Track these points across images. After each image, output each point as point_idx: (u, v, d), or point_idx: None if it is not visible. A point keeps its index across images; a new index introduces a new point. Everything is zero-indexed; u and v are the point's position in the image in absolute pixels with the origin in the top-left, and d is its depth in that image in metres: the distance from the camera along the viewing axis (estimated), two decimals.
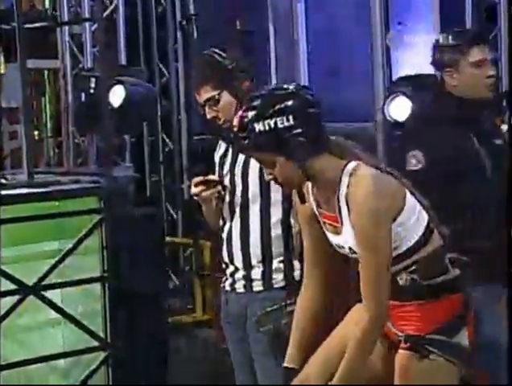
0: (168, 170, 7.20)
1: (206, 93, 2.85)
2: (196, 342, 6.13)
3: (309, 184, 2.44)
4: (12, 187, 4.19)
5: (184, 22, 6.83)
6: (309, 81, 5.73)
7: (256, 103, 2.34)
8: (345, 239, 2.37)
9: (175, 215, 7.11)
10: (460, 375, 2.41)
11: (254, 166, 2.81)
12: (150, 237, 5.07)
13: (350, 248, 2.37)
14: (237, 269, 2.89)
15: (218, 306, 4.44)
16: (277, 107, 2.30)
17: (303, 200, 2.43)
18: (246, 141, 2.33)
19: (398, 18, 5.46)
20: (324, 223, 2.44)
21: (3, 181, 4.22)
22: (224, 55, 2.88)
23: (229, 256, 2.92)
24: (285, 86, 2.39)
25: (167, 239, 5.93)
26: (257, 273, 2.85)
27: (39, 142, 7.23)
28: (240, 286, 2.89)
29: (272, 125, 2.29)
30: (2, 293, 3.82)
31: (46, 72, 7.30)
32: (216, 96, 2.83)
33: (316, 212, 2.45)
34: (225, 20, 6.55)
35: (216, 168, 2.98)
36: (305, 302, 2.53)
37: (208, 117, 2.89)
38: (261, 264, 2.85)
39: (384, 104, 4.83)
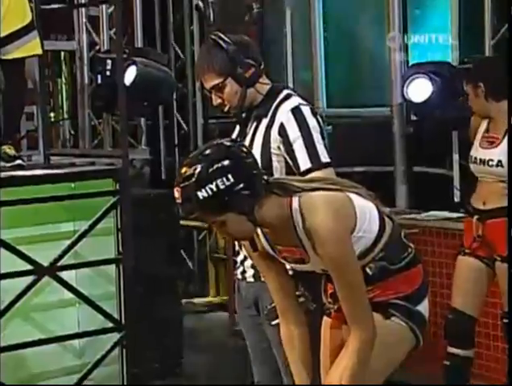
0: (183, 152, 7.20)
1: (211, 80, 2.81)
2: (209, 324, 6.15)
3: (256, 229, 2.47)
4: (28, 168, 4.22)
5: (201, 5, 6.81)
6: (325, 65, 5.70)
7: (192, 170, 2.33)
8: (315, 265, 2.45)
9: None
10: (415, 344, 2.50)
11: (256, 148, 2.79)
12: (165, 220, 5.09)
13: (322, 270, 2.45)
14: (246, 257, 2.87)
15: (231, 290, 4.47)
16: (214, 169, 2.32)
17: (255, 248, 2.49)
18: (192, 210, 2.34)
19: (415, 3, 5.41)
20: (285, 257, 2.50)
21: (19, 162, 4.24)
22: (228, 40, 2.80)
23: (238, 243, 2.90)
24: (215, 144, 2.42)
25: (182, 222, 5.93)
26: None
27: (54, 124, 7.25)
28: (249, 275, 2.87)
29: (214, 189, 2.30)
30: (18, 274, 3.86)
31: (62, 54, 7.30)
32: (221, 84, 2.79)
33: (271, 251, 2.50)
34: (242, 2, 6.52)
35: None
36: (291, 334, 2.57)
37: (214, 103, 2.86)
38: None
39: (403, 86, 4.81)
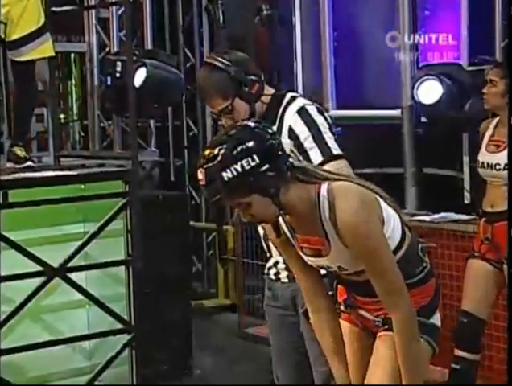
0: (192, 154, 7.21)
1: (218, 105, 2.78)
2: (218, 326, 6.16)
3: (291, 218, 2.45)
4: (38, 170, 4.23)
5: (210, 7, 6.82)
6: (335, 68, 5.70)
7: (216, 151, 2.30)
8: (333, 259, 2.40)
9: (198, 200, 7.13)
10: (432, 353, 2.48)
11: None
12: (175, 221, 5.10)
13: (340, 267, 2.41)
14: (277, 261, 2.90)
15: (241, 292, 4.46)
16: (239, 150, 2.29)
17: (278, 234, 2.46)
18: (217, 192, 2.31)
19: (425, 4, 5.41)
20: (301, 247, 2.46)
21: (30, 163, 4.25)
22: (226, 61, 2.77)
23: (267, 249, 2.92)
24: (239, 125, 2.41)
25: (191, 223, 5.94)
26: None
27: (64, 125, 7.27)
28: (284, 276, 2.89)
29: (239, 169, 2.28)
30: (28, 275, 3.86)
31: (72, 56, 7.32)
32: (230, 107, 2.77)
33: (291, 239, 2.48)
34: (251, 4, 6.52)
35: None
36: (321, 323, 2.55)
37: (226, 125, 2.82)
38: None
39: (413, 88, 4.80)
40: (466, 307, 3.91)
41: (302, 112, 2.76)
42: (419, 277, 2.46)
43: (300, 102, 2.79)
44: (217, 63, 2.79)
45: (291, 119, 2.76)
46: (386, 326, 2.44)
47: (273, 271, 2.93)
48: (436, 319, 2.50)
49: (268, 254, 2.94)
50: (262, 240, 2.93)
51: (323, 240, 2.38)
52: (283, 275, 2.88)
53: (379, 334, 2.47)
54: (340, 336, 2.52)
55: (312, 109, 2.77)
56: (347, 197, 2.32)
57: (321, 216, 2.35)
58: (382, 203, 2.41)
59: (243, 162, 2.28)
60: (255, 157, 2.29)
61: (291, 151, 2.74)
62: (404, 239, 2.44)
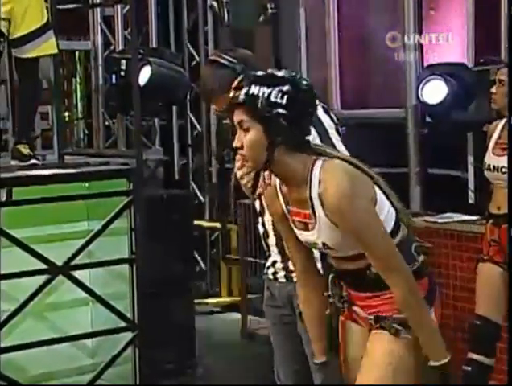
0: (197, 153, 7.21)
1: (224, 103, 2.73)
2: (221, 324, 6.16)
3: (277, 182, 2.47)
4: (42, 168, 4.23)
5: (215, 5, 6.82)
6: (340, 67, 5.69)
7: (262, 73, 2.41)
8: (318, 235, 2.40)
9: (202, 199, 7.13)
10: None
11: None
12: (178, 220, 5.10)
13: (324, 244, 2.41)
14: (276, 261, 2.90)
15: (244, 291, 4.44)
16: (279, 83, 2.36)
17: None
18: (236, 96, 2.38)
19: (430, 4, 5.40)
20: (293, 220, 2.47)
21: (34, 161, 4.25)
22: (232, 59, 2.77)
23: (267, 247, 2.93)
24: (299, 76, 2.44)
25: (195, 222, 5.93)
26: None
27: (69, 124, 7.27)
28: (281, 276, 2.89)
29: (266, 94, 2.34)
30: (32, 273, 3.86)
31: (77, 54, 7.32)
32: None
33: (285, 210, 2.49)
34: (256, 3, 6.52)
35: None
36: (306, 301, 2.58)
37: (231, 123, 2.82)
38: None
39: (418, 88, 4.79)
40: (479, 311, 3.90)
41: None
42: None
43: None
44: (222, 60, 2.78)
45: None
46: (378, 325, 2.44)
47: (271, 270, 2.93)
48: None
49: (267, 253, 2.94)
50: (262, 239, 2.93)
51: (310, 214, 2.39)
52: (281, 275, 2.88)
53: (372, 331, 2.47)
54: (323, 314, 2.53)
55: (319, 109, 2.77)
56: (336, 175, 2.35)
57: (311, 191, 2.37)
58: (379, 191, 2.42)
59: (273, 92, 2.33)
60: (285, 98, 2.33)
61: None
62: (397, 232, 2.43)
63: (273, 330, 2.98)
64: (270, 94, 2.33)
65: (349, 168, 2.39)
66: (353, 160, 2.44)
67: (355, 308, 2.51)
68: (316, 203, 2.36)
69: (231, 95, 2.40)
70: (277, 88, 2.34)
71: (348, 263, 2.45)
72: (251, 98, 2.34)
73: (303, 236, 2.46)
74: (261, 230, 2.92)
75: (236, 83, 2.39)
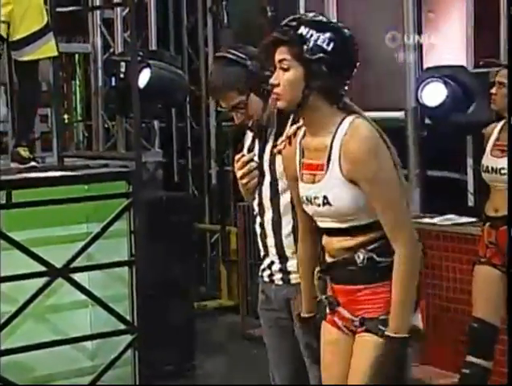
0: (196, 155, 7.21)
1: (232, 99, 2.75)
2: (221, 327, 6.15)
3: (299, 137, 2.48)
4: (42, 170, 4.23)
5: (215, 8, 6.82)
6: None
7: (315, 16, 2.42)
8: (322, 187, 2.40)
9: (202, 201, 7.13)
10: (414, 355, 2.48)
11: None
12: (178, 222, 5.10)
13: (325, 197, 2.40)
14: (273, 262, 2.87)
15: (244, 293, 4.43)
16: (328, 30, 2.37)
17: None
18: (283, 32, 2.38)
19: (429, 7, 5.40)
20: (302, 174, 2.47)
21: (33, 164, 4.26)
22: (243, 56, 2.75)
23: (264, 247, 2.90)
24: (348, 30, 2.45)
25: (194, 224, 5.93)
26: (292, 264, 2.81)
27: (68, 126, 7.27)
28: (278, 278, 2.86)
29: (313, 37, 2.35)
30: (31, 275, 3.87)
31: (77, 56, 7.33)
32: (245, 101, 2.74)
33: (298, 164, 2.48)
34: (256, 5, 6.52)
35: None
36: (304, 255, 2.61)
37: (237, 121, 2.80)
38: (295, 255, 2.79)
39: (418, 90, 4.80)
40: (477, 314, 3.90)
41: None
42: (389, 265, 2.40)
43: None
44: (233, 57, 2.76)
45: None
46: (364, 327, 2.43)
47: (267, 273, 2.90)
48: (416, 320, 2.45)
49: (263, 253, 2.91)
50: (259, 240, 2.91)
51: (323, 165, 2.40)
52: (277, 277, 2.86)
53: (358, 335, 2.46)
54: (315, 258, 2.55)
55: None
56: (363, 130, 2.38)
57: (333, 139, 2.38)
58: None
59: (321, 37, 2.36)
60: (331, 45, 2.36)
61: None
62: None
63: (268, 332, 2.95)
64: (317, 38, 2.35)
65: (377, 133, 2.40)
66: (383, 134, 2.45)
67: (339, 309, 2.49)
68: (335, 151, 2.37)
69: (283, 25, 2.41)
70: (325, 34, 2.36)
71: (339, 241, 2.43)
72: (299, 38, 2.36)
73: (306, 189, 2.45)
74: (258, 230, 2.91)
75: (285, 21, 2.39)
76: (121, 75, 5.71)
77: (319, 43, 2.35)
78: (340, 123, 2.39)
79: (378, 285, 2.42)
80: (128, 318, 4.11)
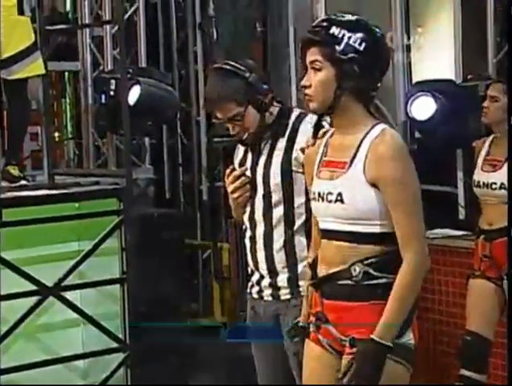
0: (187, 171, 7.21)
1: (229, 111, 2.75)
2: (213, 344, 6.12)
3: (328, 135, 2.46)
4: (32, 189, 4.22)
5: (204, 24, 6.84)
6: None
7: (348, 16, 2.39)
8: (339, 184, 2.37)
9: (193, 217, 7.12)
10: (409, 374, 2.39)
11: (276, 167, 2.79)
12: (169, 239, 5.08)
13: (339, 194, 2.36)
14: (262, 277, 2.86)
15: (237, 309, 4.40)
16: (360, 30, 2.35)
17: (315, 134, 2.46)
18: (314, 32, 2.37)
19: (418, 21, 5.43)
20: (320, 171, 2.44)
21: (24, 182, 4.25)
22: (242, 68, 2.76)
23: (253, 262, 2.88)
24: (380, 30, 2.44)
25: (186, 241, 5.92)
26: (282, 279, 2.81)
27: (59, 144, 7.26)
28: (267, 294, 2.85)
29: (345, 37, 2.33)
30: (22, 294, 3.85)
31: (66, 74, 7.33)
32: (241, 113, 2.74)
33: (317, 162, 2.46)
34: (245, 22, 6.54)
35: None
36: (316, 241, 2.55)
37: (233, 132, 2.80)
38: (286, 270, 2.80)
39: (407, 104, 4.81)
40: (471, 327, 3.90)
41: (319, 126, 2.77)
42: (389, 278, 2.35)
43: (313, 117, 2.80)
44: (232, 68, 2.77)
45: (309, 132, 2.72)
46: (355, 349, 2.34)
47: (255, 289, 2.88)
48: (408, 337, 2.38)
49: (251, 269, 2.88)
50: (248, 254, 2.88)
51: (346, 163, 2.37)
52: (267, 293, 2.85)
53: (345, 356, 2.38)
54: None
55: (326, 124, 2.77)
56: (396, 138, 2.36)
57: (363, 140, 2.35)
58: None
59: (353, 37, 2.34)
60: (363, 46, 2.34)
61: (301, 165, 2.75)
62: (393, 239, 2.38)
63: (256, 350, 2.93)
64: (349, 38, 2.33)
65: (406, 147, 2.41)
66: None
67: (327, 326, 2.42)
68: (362, 152, 2.35)
69: (314, 26, 2.40)
70: (357, 34, 2.34)
71: (339, 246, 2.38)
72: (331, 38, 2.34)
73: (321, 185, 2.41)
74: (248, 245, 2.88)
75: (316, 22, 2.39)
76: (111, 93, 5.71)
77: (351, 42, 2.33)
78: (372, 127, 2.38)
79: (374, 303, 2.36)
80: (120, 336, 4.09)
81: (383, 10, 5.17)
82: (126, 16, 6.25)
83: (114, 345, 4.08)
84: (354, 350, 2.35)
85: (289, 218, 2.80)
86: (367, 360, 2.30)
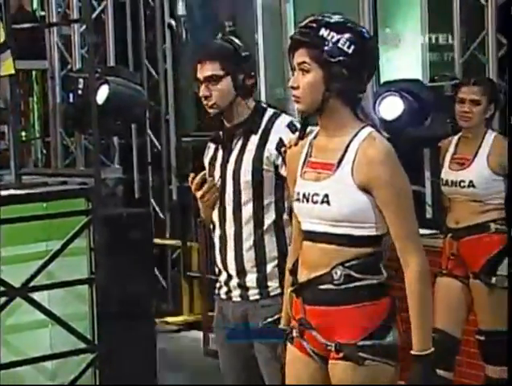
0: (156, 171, 7.18)
1: (210, 70, 2.76)
2: (183, 343, 6.12)
3: (312, 134, 2.45)
4: None
5: (173, 23, 6.82)
6: None
7: (337, 18, 2.37)
8: (326, 185, 2.36)
9: (162, 217, 7.10)
10: (397, 371, 2.39)
11: (247, 164, 2.78)
12: (138, 239, 5.06)
13: (326, 196, 2.35)
14: (230, 277, 2.84)
15: (206, 309, 4.39)
16: (348, 32, 2.34)
17: (302, 134, 2.46)
18: (302, 34, 2.36)
19: (386, 22, 5.47)
20: (304, 172, 2.42)
21: None
22: (243, 46, 2.83)
23: (222, 261, 2.86)
24: (369, 32, 2.44)
25: (155, 240, 5.90)
26: (251, 279, 2.80)
27: (26, 143, 7.20)
28: (236, 295, 2.84)
29: (334, 39, 2.32)
30: None
31: (34, 73, 7.27)
32: (220, 76, 2.75)
33: (301, 163, 2.44)
34: (214, 21, 6.54)
35: (207, 172, 2.92)
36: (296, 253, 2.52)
37: (201, 94, 2.80)
38: (255, 269, 2.79)
39: (375, 103, 4.84)
40: (438, 325, 3.92)
41: (291, 125, 2.79)
42: (371, 281, 2.36)
43: (287, 117, 2.85)
44: (235, 41, 2.85)
45: (282, 131, 2.78)
46: (341, 354, 2.33)
47: (224, 290, 2.87)
48: (392, 335, 2.38)
49: (219, 268, 2.86)
50: (217, 253, 2.86)
51: (333, 165, 2.36)
52: (235, 293, 2.83)
53: (331, 361, 2.37)
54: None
55: (299, 124, 2.80)
56: (385, 143, 2.36)
57: (352, 141, 2.35)
58: None
59: (342, 39, 2.32)
60: (351, 48, 2.32)
61: (272, 163, 2.75)
62: (378, 242, 2.38)
63: (222, 352, 2.91)
64: (338, 40, 2.32)
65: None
66: None
67: (314, 333, 2.38)
68: (350, 154, 2.35)
69: (302, 26, 2.39)
70: (346, 36, 2.33)
71: (322, 249, 2.36)
72: (319, 40, 2.32)
73: (306, 186, 2.40)
74: (217, 243, 2.87)
75: (304, 23, 2.39)
76: (80, 92, 5.68)
77: (339, 45, 2.32)
78: (359, 130, 2.38)
79: (357, 305, 2.34)
80: (88, 336, 4.07)
81: (351, 10, 5.19)
82: (94, 15, 6.21)
83: (83, 346, 4.06)
84: (341, 355, 2.33)
85: (258, 217, 2.79)
86: (420, 375, 2.33)
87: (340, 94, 2.35)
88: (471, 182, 3.84)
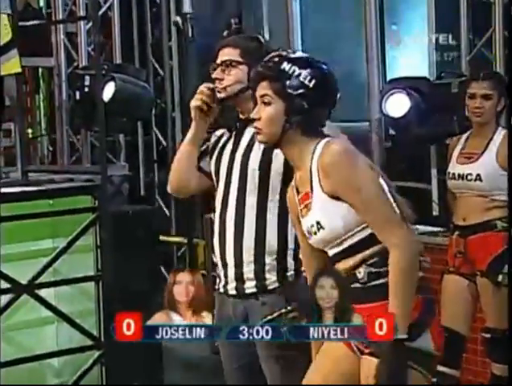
0: (162, 168, 7.18)
1: (228, 54, 2.79)
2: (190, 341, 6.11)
3: (297, 176, 2.49)
4: (6, 186, 4.19)
5: (179, 20, 6.82)
6: None
7: (299, 53, 2.48)
8: (312, 213, 2.40)
9: (168, 214, 7.10)
10: (426, 381, 2.35)
11: (256, 153, 2.77)
12: (144, 236, 5.08)
13: (318, 223, 2.39)
14: (227, 267, 2.81)
15: (212, 306, 4.35)
16: (310, 66, 2.41)
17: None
18: (265, 67, 2.43)
19: (393, 19, 5.46)
20: (301, 210, 2.47)
21: None
22: (267, 44, 2.86)
23: (220, 248, 2.82)
24: (329, 67, 2.48)
25: (161, 237, 5.91)
26: (249, 271, 2.77)
27: (32, 140, 7.21)
28: (232, 288, 2.81)
29: (295, 73, 2.38)
30: None
31: (40, 70, 7.27)
32: (237, 62, 2.77)
33: (297, 201, 2.49)
34: (221, 19, 6.53)
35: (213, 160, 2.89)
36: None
37: (213, 75, 2.81)
38: (253, 260, 2.77)
39: (381, 101, 4.84)
40: (445, 322, 3.92)
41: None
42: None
43: None
44: (259, 38, 2.88)
45: None
46: (371, 349, 2.33)
47: (222, 283, 2.85)
48: (424, 341, 2.33)
49: (217, 259, 2.84)
50: (217, 240, 2.82)
51: (308, 193, 2.41)
52: (231, 286, 2.81)
53: (363, 357, 2.38)
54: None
55: None
56: (338, 145, 2.39)
57: (312, 164, 2.39)
58: (384, 184, 2.43)
59: (303, 73, 2.38)
60: (312, 82, 2.37)
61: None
62: None
63: (224, 351, 2.90)
64: (299, 74, 2.38)
65: (350, 145, 2.43)
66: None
67: None
68: (314, 174, 2.38)
69: (259, 68, 2.46)
70: (307, 70, 2.39)
71: (344, 266, 2.39)
72: (281, 73, 2.38)
73: (304, 222, 2.44)
74: (217, 230, 2.83)
75: (268, 57, 2.45)
76: (86, 89, 5.68)
77: (301, 78, 2.38)
78: (316, 148, 2.40)
79: (382, 302, 2.32)
80: (95, 333, 4.08)
81: (358, 6, 5.19)
82: (101, 12, 6.20)
83: (89, 343, 4.07)
84: (371, 350, 2.34)
85: (262, 208, 2.77)
86: (389, 360, 2.28)
87: (299, 126, 2.41)
88: (478, 175, 3.82)
